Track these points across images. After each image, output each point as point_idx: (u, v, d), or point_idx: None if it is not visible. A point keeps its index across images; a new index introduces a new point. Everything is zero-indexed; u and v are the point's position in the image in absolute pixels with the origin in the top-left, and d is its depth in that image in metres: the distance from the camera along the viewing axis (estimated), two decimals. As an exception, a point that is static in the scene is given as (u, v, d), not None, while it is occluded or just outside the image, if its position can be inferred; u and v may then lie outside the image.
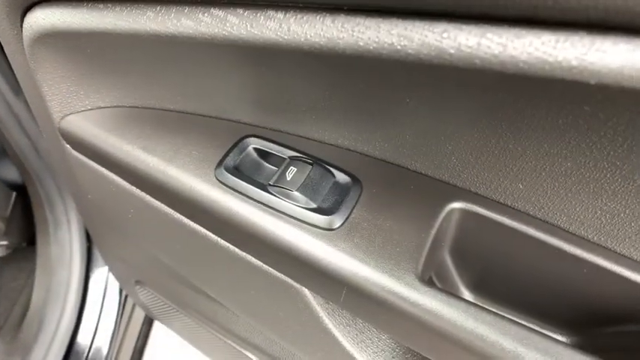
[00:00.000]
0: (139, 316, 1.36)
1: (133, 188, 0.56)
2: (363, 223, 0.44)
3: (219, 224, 0.49)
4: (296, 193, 0.45)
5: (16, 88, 0.98)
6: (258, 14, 0.35)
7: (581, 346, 0.41)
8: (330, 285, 0.44)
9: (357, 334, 0.52)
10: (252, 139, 0.50)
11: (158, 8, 0.40)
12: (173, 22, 0.39)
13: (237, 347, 0.90)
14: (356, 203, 0.45)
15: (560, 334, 0.50)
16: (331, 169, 0.47)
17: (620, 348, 0.46)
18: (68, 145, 0.60)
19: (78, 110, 0.57)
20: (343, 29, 0.32)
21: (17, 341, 1.19)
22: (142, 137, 0.52)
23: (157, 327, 1.42)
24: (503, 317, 0.38)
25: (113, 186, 0.58)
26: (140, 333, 1.38)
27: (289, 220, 0.44)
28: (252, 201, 0.46)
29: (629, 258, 0.40)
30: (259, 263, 0.50)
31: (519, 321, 0.38)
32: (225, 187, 0.47)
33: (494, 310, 0.39)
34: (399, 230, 0.43)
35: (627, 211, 0.37)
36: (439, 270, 0.53)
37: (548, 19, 0.26)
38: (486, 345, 0.37)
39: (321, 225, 0.43)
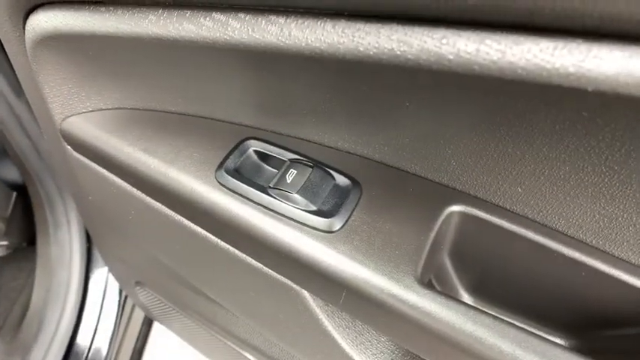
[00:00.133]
0: (139, 316, 1.37)
1: (134, 190, 0.56)
2: (363, 225, 0.44)
3: (220, 226, 0.49)
4: (296, 196, 0.45)
5: (18, 89, 0.98)
6: (260, 19, 0.36)
7: (579, 350, 0.41)
8: (330, 287, 0.44)
9: (356, 336, 0.52)
10: (252, 142, 0.50)
11: (160, 12, 0.40)
12: (175, 25, 0.39)
13: (237, 348, 0.90)
14: (356, 206, 0.45)
15: (559, 337, 0.51)
16: (331, 171, 0.47)
17: (618, 351, 0.46)
18: (69, 147, 0.60)
19: (79, 112, 0.57)
20: (344, 35, 0.32)
21: (17, 341, 1.19)
22: (143, 139, 0.53)
23: (157, 328, 1.43)
24: (501, 320, 0.38)
25: (114, 187, 0.59)
26: (139, 334, 1.38)
27: (289, 223, 0.45)
28: (252, 203, 0.46)
29: (627, 261, 0.40)
30: (259, 265, 0.51)
31: (518, 324, 0.39)
32: (225, 189, 0.47)
33: (493, 312, 0.40)
34: (398, 233, 0.43)
35: (625, 215, 0.37)
36: (438, 273, 0.54)
37: (546, 27, 0.26)
38: (485, 348, 0.37)
39: (321, 227, 0.44)
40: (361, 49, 0.32)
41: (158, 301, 1.03)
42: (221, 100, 0.50)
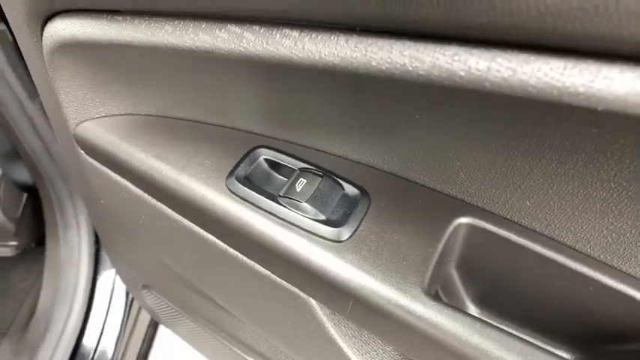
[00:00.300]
0: (145, 319, 1.37)
1: (145, 195, 0.57)
2: (371, 235, 0.44)
3: (229, 233, 0.50)
4: (305, 205, 0.45)
5: (32, 93, 0.99)
6: (274, 32, 0.36)
7: (585, 364, 0.41)
8: (337, 296, 0.44)
9: (362, 346, 0.53)
10: (263, 150, 0.51)
11: (176, 22, 0.41)
12: (191, 36, 0.40)
13: (242, 354, 0.91)
14: (364, 216, 0.45)
15: (565, 351, 0.51)
16: (340, 181, 0.47)
17: (625, 366, 0.46)
18: (82, 151, 0.61)
19: (93, 117, 0.58)
20: (356, 49, 0.33)
21: (24, 342, 1.20)
22: (155, 145, 0.53)
23: (162, 331, 1.43)
24: (508, 333, 0.38)
25: (125, 192, 0.59)
26: (145, 336, 1.38)
27: (298, 231, 0.45)
28: (262, 211, 0.47)
29: (634, 277, 0.40)
30: (267, 272, 0.51)
31: (524, 337, 0.39)
32: (235, 196, 0.48)
33: (499, 325, 0.40)
34: (406, 244, 0.43)
35: (634, 230, 0.37)
36: (445, 284, 0.54)
37: (557, 46, 0.27)
38: None
39: (330, 237, 0.44)
40: (374, 63, 0.33)
41: (165, 305, 1.04)
42: (233, 109, 0.50)
